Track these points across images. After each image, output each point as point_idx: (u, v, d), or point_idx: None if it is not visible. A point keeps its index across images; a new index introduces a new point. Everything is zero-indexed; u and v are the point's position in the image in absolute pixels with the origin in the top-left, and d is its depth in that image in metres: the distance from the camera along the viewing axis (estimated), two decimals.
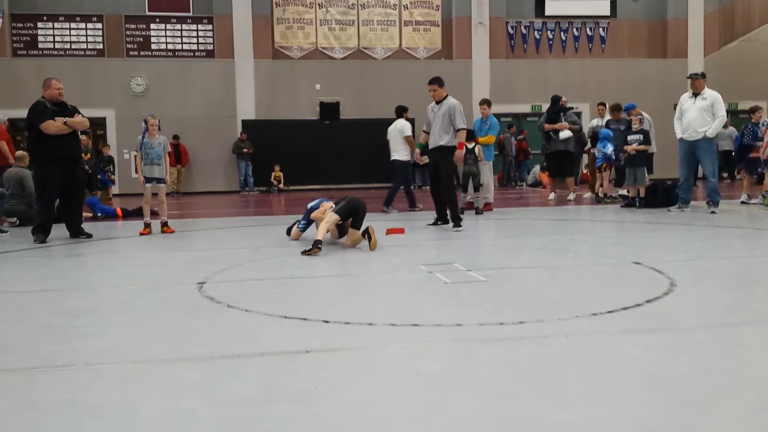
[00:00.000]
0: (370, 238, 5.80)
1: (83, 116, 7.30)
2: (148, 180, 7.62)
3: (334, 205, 6.14)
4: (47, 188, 7.07)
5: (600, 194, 11.25)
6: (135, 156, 7.47)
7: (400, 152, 9.89)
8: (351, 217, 6.06)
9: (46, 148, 6.94)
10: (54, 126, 6.91)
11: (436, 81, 7.51)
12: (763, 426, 1.94)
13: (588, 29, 20.40)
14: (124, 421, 2.08)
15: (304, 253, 5.55)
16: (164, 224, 7.70)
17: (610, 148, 10.63)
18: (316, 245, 5.56)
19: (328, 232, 5.98)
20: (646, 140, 9.72)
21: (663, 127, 13.86)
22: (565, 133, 11.13)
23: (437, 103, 7.49)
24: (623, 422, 2.00)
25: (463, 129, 7.41)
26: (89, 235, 7.24)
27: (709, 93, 8.70)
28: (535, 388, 2.29)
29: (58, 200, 7.51)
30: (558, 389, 2.28)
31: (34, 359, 2.77)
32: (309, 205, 6.63)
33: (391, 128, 10.07)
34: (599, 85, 18.36)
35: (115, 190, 16.45)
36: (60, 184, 7.07)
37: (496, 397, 2.20)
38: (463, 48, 19.43)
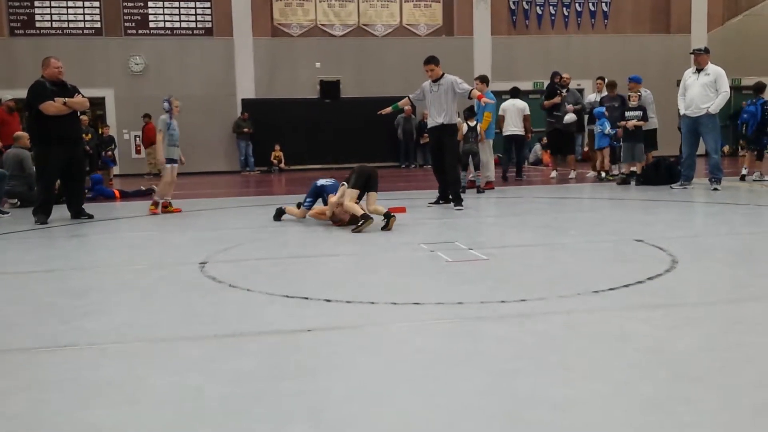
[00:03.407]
0: (387, 223, 5.73)
1: (83, 96, 7.25)
2: (170, 161, 7.66)
3: (345, 184, 6.06)
4: (48, 169, 7.04)
5: (602, 172, 11.22)
6: (160, 136, 7.60)
7: (519, 127, 11.32)
8: (366, 185, 6.04)
9: (46, 129, 6.90)
10: (53, 107, 6.86)
11: (433, 60, 7.44)
12: (763, 400, 1.95)
13: (590, 4, 20.15)
14: (130, 398, 2.09)
15: (356, 230, 5.54)
16: (169, 204, 7.74)
17: (608, 127, 10.54)
18: (365, 218, 5.59)
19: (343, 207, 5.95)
20: (645, 116, 9.64)
21: (666, 103, 13.75)
22: (569, 117, 11.24)
23: (434, 81, 7.42)
24: (625, 397, 2.01)
25: (471, 89, 7.49)
26: (90, 216, 7.23)
27: (712, 68, 8.61)
28: (537, 364, 2.30)
29: (58, 181, 7.49)
30: (560, 365, 2.29)
31: (37, 339, 2.78)
32: (319, 182, 6.54)
33: (509, 106, 11.44)
34: (602, 61, 18.15)
35: (115, 170, 16.43)
36: (61, 165, 7.04)
37: (499, 373, 2.21)
38: (464, 24, 19.20)
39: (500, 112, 11.92)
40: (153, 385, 2.19)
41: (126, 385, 2.21)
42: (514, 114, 11.42)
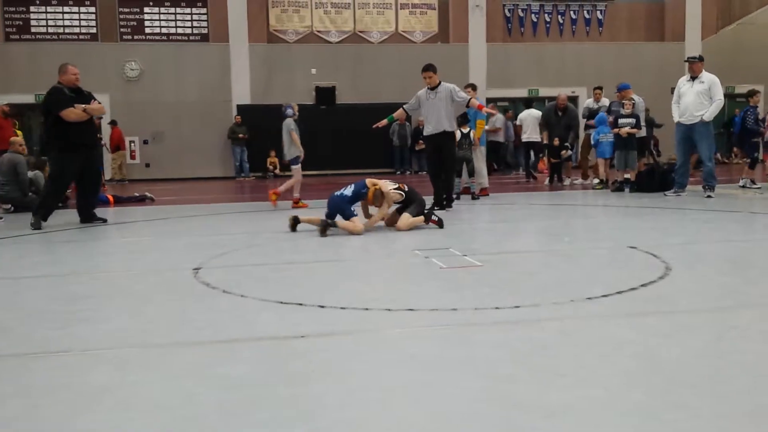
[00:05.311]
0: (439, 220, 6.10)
1: (99, 102, 7.25)
2: (297, 160, 8.59)
3: (390, 183, 6.21)
4: (64, 175, 7.01)
5: (601, 178, 11.26)
6: (295, 136, 8.57)
7: (537, 134, 12.51)
8: (406, 206, 6.21)
9: (65, 136, 6.85)
10: (74, 113, 6.83)
11: (431, 68, 7.49)
12: (756, 407, 1.96)
13: (585, 12, 20.28)
14: (123, 404, 2.08)
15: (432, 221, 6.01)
16: (299, 200, 8.69)
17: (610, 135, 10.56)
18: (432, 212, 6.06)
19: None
20: (638, 124, 9.70)
21: (661, 111, 13.85)
22: (566, 153, 11.64)
23: (431, 89, 7.45)
24: (619, 403, 2.01)
25: (470, 98, 7.68)
26: (104, 220, 7.24)
27: (706, 76, 8.67)
28: (531, 370, 2.30)
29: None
30: (554, 371, 2.30)
31: (30, 345, 2.77)
32: (347, 191, 6.01)
33: (526, 115, 12.95)
34: (596, 69, 18.27)
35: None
36: (77, 171, 7.02)
37: (493, 379, 2.21)
38: (459, 31, 19.29)
39: (518, 122, 13.55)
40: (147, 391, 2.19)
41: (120, 390, 2.20)
42: (532, 122, 12.64)
